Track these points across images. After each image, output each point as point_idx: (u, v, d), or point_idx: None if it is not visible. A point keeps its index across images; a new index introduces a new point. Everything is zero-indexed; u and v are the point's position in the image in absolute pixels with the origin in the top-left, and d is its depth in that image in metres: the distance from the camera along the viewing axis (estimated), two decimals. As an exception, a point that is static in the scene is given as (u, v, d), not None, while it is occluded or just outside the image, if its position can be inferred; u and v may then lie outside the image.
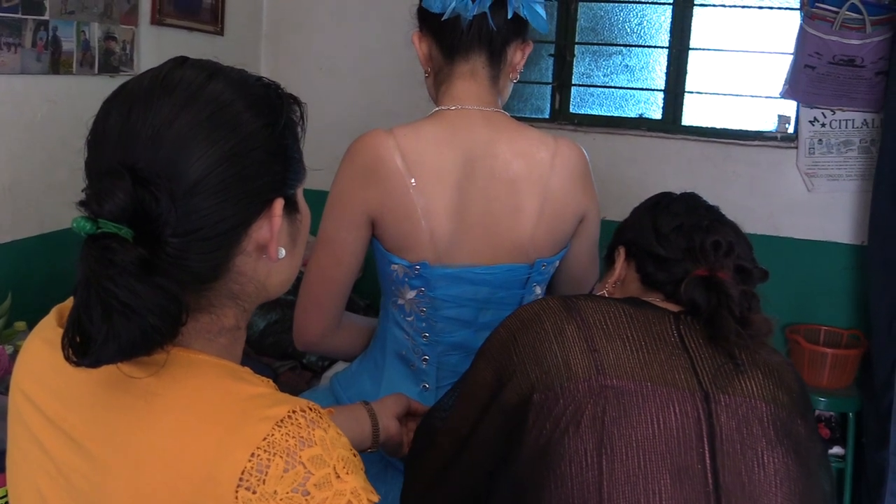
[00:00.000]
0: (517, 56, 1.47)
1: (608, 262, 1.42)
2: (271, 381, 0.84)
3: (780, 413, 1.14)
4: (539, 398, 1.11)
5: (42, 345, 0.89)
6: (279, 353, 3.05)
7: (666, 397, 1.10)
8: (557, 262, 1.49)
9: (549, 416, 1.10)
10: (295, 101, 0.89)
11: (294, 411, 0.77)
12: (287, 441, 0.74)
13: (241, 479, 0.73)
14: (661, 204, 1.36)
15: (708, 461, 1.08)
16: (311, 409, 0.78)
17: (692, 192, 1.39)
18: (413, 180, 1.37)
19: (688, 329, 1.19)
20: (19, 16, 2.36)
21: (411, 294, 1.43)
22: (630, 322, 1.17)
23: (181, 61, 0.85)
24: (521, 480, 1.12)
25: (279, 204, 0.84)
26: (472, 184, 1.40)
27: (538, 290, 1.48)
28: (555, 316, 1.17)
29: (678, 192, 1.40)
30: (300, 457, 0.74)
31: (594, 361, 1.12)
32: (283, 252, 0.87)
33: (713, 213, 1.34)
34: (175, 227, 0.76)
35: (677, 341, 1.17)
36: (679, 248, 1.27)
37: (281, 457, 0.74)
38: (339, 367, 1.63)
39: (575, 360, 1.12)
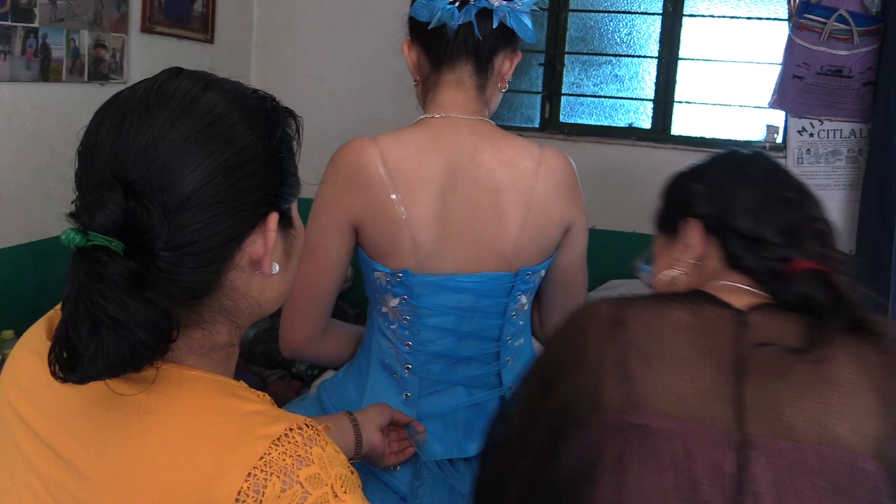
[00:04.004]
0: (505, 66, 1.47)
1: (666, 231, 1.25)
2: (267, 396, 0.83)
3: (842, 457, 0.97)
4: (571, 427, 1.05)
5: (30, 356, 0.87)
6: (269, 362, 3.04)
7: (694, 439, 0.99)
8: (543, 271, 1.49)
9: (574, 451, 1.04)
10: (291, 114, 0.88)
11: (291, 429, 0.76)
12: (284, 460, 0.73)
13: (237, 500, 0.72)
14: (737, 170, 1.20)
15: None
16: (308, 425, 0.77)
17: (758, 150, 1.25)
18: (395, 188, 1.38)
19: (750, 335, 1.04)
20: (9, 23, 2.36)
21: (394, 302, 1.43)
22: (679, 335, 1.05)
23: (176, 72, 0.84)
24: None
25: (273, 218, 0.84)
26: (456, 192, 1.40)
27: (523, 300, 1.48)
28: (599, 331, 1.08)
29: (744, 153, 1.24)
30: (297, 476, 0.73)
31: (625, 393, 1.02)
32: (276, 267, 0.86)
33: (793, 182, 1.19)
34: (167, 241, 0.75)
35: (729, 358, 1.03)
36: (772, 226, 1.12)
37: (278, 476, 0.73)
38: (329, 375, 1.63)
39: (606, 391, 1.03)
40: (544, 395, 1.12)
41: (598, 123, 3.44)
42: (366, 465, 1.43)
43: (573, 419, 1.05)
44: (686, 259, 1.19)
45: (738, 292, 1.11)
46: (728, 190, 1.16)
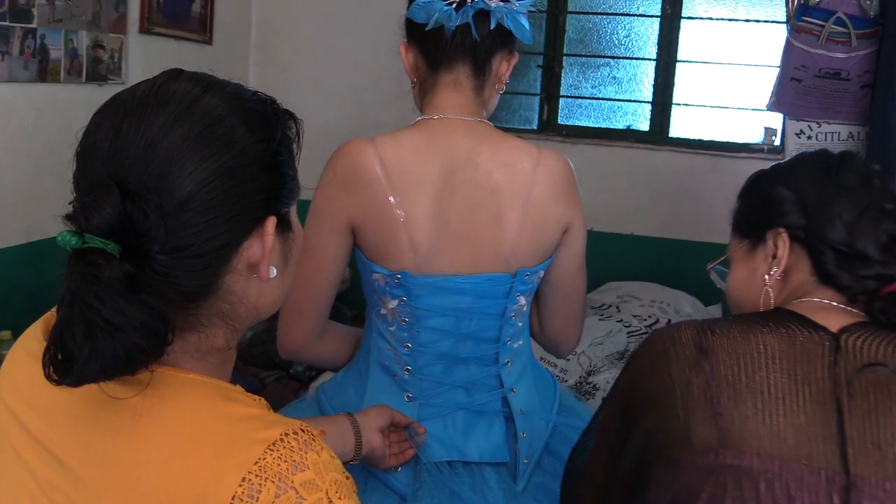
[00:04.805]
0: (503, 67, 1.48)
1: (747, 235, 1.18)
2: (263, 401, 0.82)
3: None
4: (658, 464, 0.99)
5: (26, 358, 0.87)
6: (266, 363, 3.04)
7: (794, 481, 0.92)
8: (542, 272, 1.49)
9: (665, 493, 0.98)
10: (291, 116, 0.87)
11: (286, 434, 0.75)
12: (279, 465, 0.73)
13: None
14: (830, 176, 1.11)
15: None
16: (303, 430, 0.77)
17: (848, 151, 1.16)
18: (393, 189, 1.38)
19: (847, 361, 0.97)
20: (7, 24, 2.36)
21: (393, 303, 1.43)
22: (771, 365, 0.98)
23: (176, 73, 0.83)
24: None
25: (272, 222, 0.83)
26: (454, 193, 1.40)
27: (522, 301, 1.48)
28: (683, 360, 1.01)
29: (834, 154, 1.15)
30: (292, 481, 0.73)
31: (717, 430, 0.96)
32: (274, 271, 0.85)
33: (889, 189, 1.10)
34: (164, 244, 0.74)
35: (828, 389, 0.96)
36: (870, 241, 1.05)
37: (272, 481, 0.72)
38: (327, 377, 1.62)
39: (696, 428, 0.97)
40: (628, 430, 1.06)
41: (597, 125, 3.45)
42: (366, 467, 1.43)
43: (660, 456, 0.99)
44: (772, 273, 1.12)
45: (830, 311, 1.05)
46: (822, 198, 1.09)
